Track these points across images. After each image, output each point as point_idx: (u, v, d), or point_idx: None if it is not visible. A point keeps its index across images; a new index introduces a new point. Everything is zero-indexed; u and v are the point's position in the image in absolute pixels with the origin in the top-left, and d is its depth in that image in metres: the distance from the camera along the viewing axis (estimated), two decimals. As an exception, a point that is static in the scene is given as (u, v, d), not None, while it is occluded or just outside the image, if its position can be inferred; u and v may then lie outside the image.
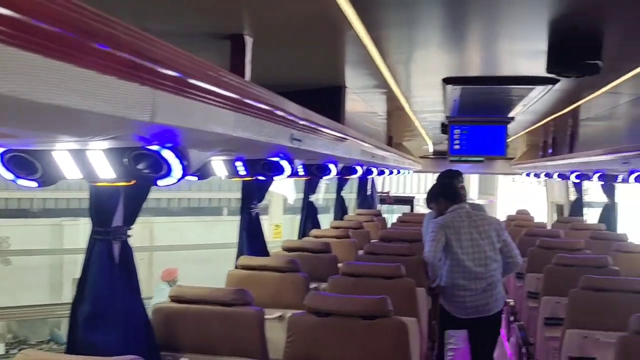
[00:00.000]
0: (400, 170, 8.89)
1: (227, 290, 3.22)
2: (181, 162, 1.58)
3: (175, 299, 3.19)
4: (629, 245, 5.59)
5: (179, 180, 1.65)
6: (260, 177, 3.18)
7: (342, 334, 2.97)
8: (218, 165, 2.64)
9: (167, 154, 1.55)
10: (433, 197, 4.92)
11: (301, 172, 3.64)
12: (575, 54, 2.93)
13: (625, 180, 4.78)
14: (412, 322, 3.79)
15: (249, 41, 2.54)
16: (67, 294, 11.77)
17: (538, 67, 3.18)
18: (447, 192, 4.82)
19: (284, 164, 2.54)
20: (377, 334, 2.95)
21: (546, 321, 4.56)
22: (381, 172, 6.98)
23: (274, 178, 2.70)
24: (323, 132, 2.49)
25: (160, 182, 1.67)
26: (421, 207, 17.09)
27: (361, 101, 4.82)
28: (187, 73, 1.18)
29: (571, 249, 5.28)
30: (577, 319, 3.76)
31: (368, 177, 7.15)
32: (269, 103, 1.74)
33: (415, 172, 12.15)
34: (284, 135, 1.95)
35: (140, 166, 1.61)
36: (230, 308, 3.13)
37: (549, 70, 3.06)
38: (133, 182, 1.74)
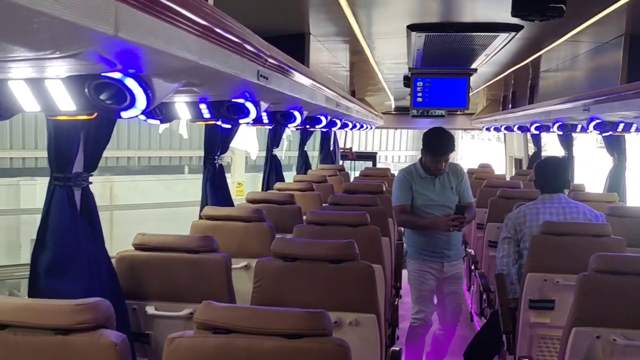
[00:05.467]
0: (364, 125, 8.88)
1: (192, 237, 3.19)
2: (145, 92, 1.53)
3: (139, 246, 3.15)
4: (586, 194, 5.72)
5: (143, 112, 1.60)
6: (224, 124, 3.14)
7: (310, 278, 2.98)
8: (181, 107, 2.58)
9: (131, 83, 1.50)
10: None
11: (265, 119, 3.60)
12: (541, -4, 2.94)
13: (584, 130, 4.87)
14: (377, 268, 3.83)
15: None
16: (26, 255, 11.53)
17: (502, 12, 3.18)
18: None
19: (249, 106, 2.49)
20: (344, 277, 2.97)
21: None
22: (344, 125, 6.96)
23: (240, 122, 2.65)
24: (289, 71, 2.45)
25: (124, 114, 1.61)
26: (382, 165, 17.22)
27: (325, 50, 4.77)
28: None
29: (530, 199, 5.36)
30: (537, 263, 3.83)
31: (331, 129, 7.11)
32: (236, 34, 1.69)
33: (377, 127, 12.19)
34: (250, 70, 1.90)
35: (102, 97, 1.55)
36: (196, 255, 3.10)
37: (513, 13, 3.05)
38: (95, 115, 1.68)
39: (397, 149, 20.01)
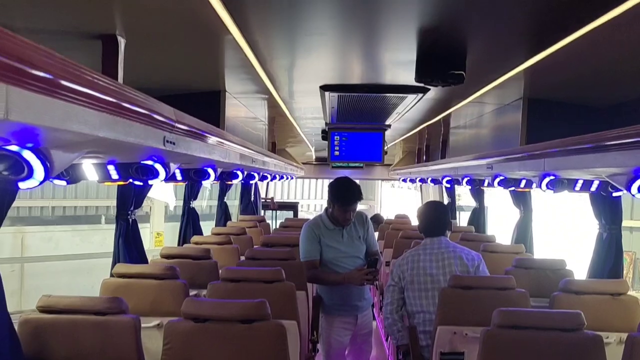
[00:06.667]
0: (284, 176, 8.95)
1: (100, 299, 3.11)
2: (43, 164, 1.52)
3: (44, 309, 3.04)
4: (495, 246, 5.95)
5: (42, 182, 1.59)
6: (134, 182, 3.11)
7: (221, 339, 2.96)
8: (89, 168, 2.55)
9: (28, 155, 1.49)
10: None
11: (179, 176, 3.59)
12: (441, 64, 3.10)
13: (490, 185, 5.09)
14: (291, 325, 3.84)
15: (121, 42, 2.48)
16: None
17: (409, 76, 3.33)
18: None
19: (159, 167, 2.50)
20: (256, 338, 2.96)
21: None
22: (263, 178, 7.00)
23: (149, 182, 2.65)
24: (199, 135, 2.48)
25: (22, 185, 1.60)
26: (304, 213, 17.30)
27: (242, 106, 4.82)
28: (44, 69, 1.15)
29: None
30: (447, 316, 3.95)
31: (250, 182, 7.14)
32: (138, 103, 1.71)
33: (298, 177, 12.32)
34: (155, 137, 1.92)
35: (-1, 167, 1.53)
36: (103, 317, 3.03)
37: (417, 79, 3.22)
38: (-8, 184, 1.66)
39: (319, 197, 20.20)
